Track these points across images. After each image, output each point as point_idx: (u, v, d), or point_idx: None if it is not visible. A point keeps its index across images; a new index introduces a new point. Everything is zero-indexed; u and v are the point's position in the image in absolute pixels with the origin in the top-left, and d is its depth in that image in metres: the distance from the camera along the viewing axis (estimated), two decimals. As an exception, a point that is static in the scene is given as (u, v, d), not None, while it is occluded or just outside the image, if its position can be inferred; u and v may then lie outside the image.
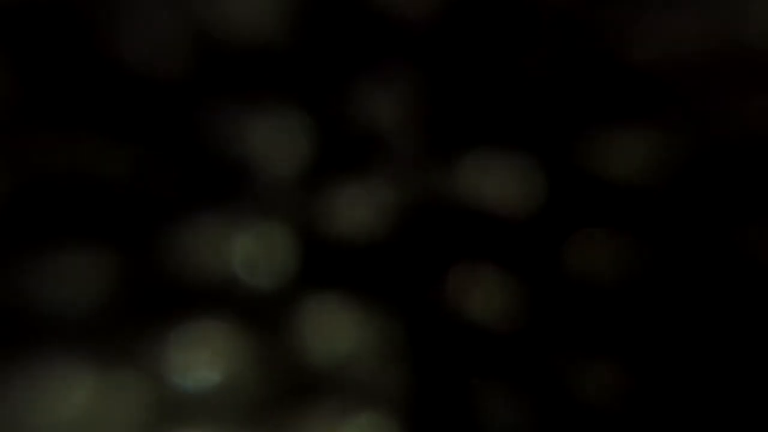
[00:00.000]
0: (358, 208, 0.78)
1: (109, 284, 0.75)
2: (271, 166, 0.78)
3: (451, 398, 0.75)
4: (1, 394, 0.71)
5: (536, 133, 0.79)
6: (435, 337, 0.76)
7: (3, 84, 0.75)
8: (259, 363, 0.75)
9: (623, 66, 0.80)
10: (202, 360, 0.74)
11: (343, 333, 0.76)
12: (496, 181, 0.78)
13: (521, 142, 0.79)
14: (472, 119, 0.79)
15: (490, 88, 0.80)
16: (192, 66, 0.78)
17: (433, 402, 0.75)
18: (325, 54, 0.79)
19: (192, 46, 0.78)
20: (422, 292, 0.77)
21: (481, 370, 0.75)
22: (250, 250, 0.76)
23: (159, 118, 0.77)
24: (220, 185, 0.77)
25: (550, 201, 0.78)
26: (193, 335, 0.75)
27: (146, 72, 0.77)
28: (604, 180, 0.78)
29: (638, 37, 0.81)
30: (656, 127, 0.79)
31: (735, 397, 0.75)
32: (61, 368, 0.72)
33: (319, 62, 0.79)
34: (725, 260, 0.77)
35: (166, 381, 0.74)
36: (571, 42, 0.80)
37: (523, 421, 0.74)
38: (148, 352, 0.74)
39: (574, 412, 0.75)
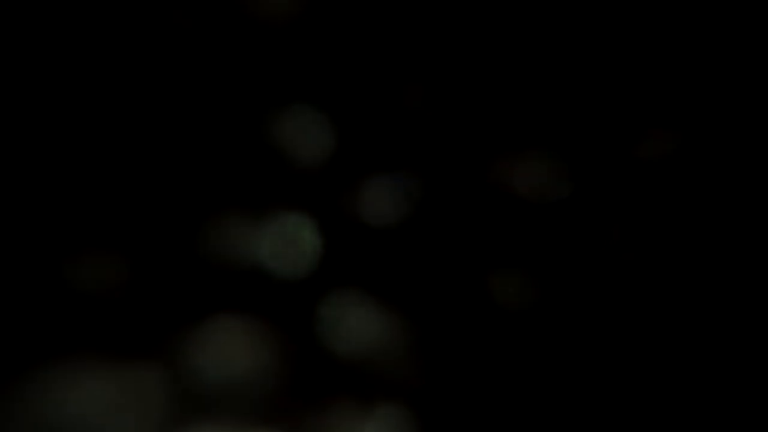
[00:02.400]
0: (382, 201, 0.78)
1: (132, 276, 0.76)
2: (296, 158, 0.78)
3: (470, 391, 0.75)
4: (27, 388, 0.72)
5: (561, 126, 0.79)
6: (458, 328, 0.76)
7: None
8: (281, 356, 0.75)
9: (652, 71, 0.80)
10: (224, 353, 0.75)
11: (367, 325, 0.76)
12: (522, 173, 0.78)
13: (548, 135, 0.78)
14: (498, 112, 0.79)
15: (516, 81, 0.79)
16: (220, 59, 0.78)
17: (451, 395, 0.75)
18: (353, 47, 0.79)
19: (222, 39, 0.78)
20: (447, 284, 0.77)
21: (502, 362, 0.75)
22: (274, 243, 0.77)
23: (186, 110, 0.78)
24: (245, 178, 0.77)
25: (576, 192, 0.77)
26: (215, 328, 0.75)
27: (177, 63, 0.78)
28: (633, 172, 0.78)
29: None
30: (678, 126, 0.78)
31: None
32: (84, 362, 0.73)
33: (346, 56, 0.79)
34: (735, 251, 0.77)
35: (188, 374, 0.74)
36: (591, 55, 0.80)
37: (542, 411, 0.74)
38: (170, 345, 0.75)
39: (595, 403, 0.75)
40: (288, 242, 0.77)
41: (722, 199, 0.78)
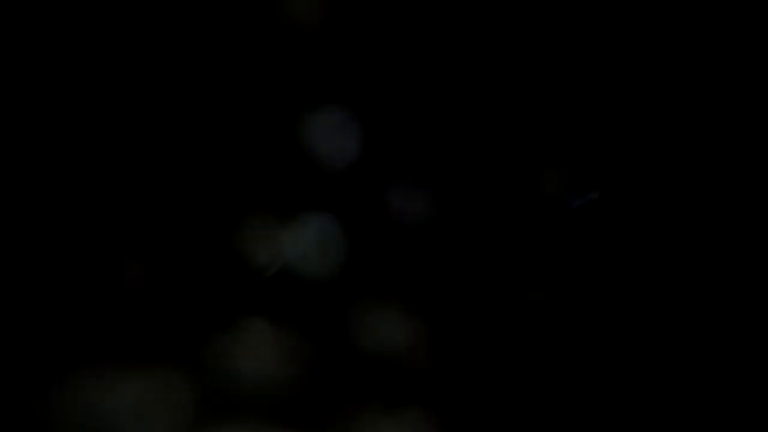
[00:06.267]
0: (409, 205, 0.78)
1: (158, 278, 0.75)
2: (323, 162, 0.78)
3: (498, 393, 0.75)
4: (56, 390, 0.72)
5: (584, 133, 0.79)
6: (484, 332, 0.76)
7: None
8: (307, 357, 0.75)
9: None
10: (251, 354, 0.75)
11: (392, 328, 0.76)
12: (545, 178, 0.78)
13: (572, 136, 0.79)
14: (516, 116, 0.79)
15: (540, 89, 0.80)
16: (249, 64, 0.78)
17: (478, 396, 0.75)
18: (379, 55, 0.79)
19: (253, 46, 0.78)
20: (472, 288, 0.77)
21: (528, 367, 0.76)
22: (301, 246, 0.77)
23: (212, 113, 0.77)
24: (272, 181, 0.77)
25: (597, 197, 0.78)
26: (242, 330, 0.75)
27: (206, 67, 0.77)
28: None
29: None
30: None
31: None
32: (112, 364, 0.73)
33: (373, 62, 0.79)
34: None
35: (215, 375, 0.74)
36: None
37: (565, 413, 0.75)
38: (197, 347, 0.74)
39: (613, 404, 0.75)
40: (315, 245, 0.77)
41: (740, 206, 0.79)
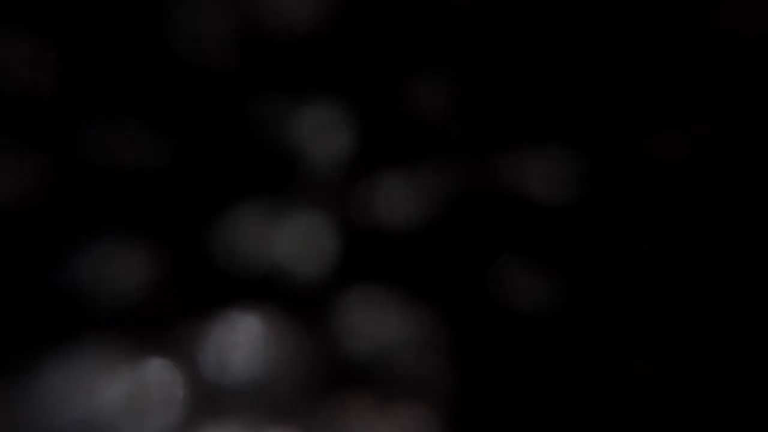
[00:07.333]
0: (400, 199, 0.78)
1: (151, 274, 0.76)
2: (314, 157, 0.78)
3: (492, 389, 0.75)
4: (41, 381, 0.72)
5: (578, 125, 0.79)
6: (476, 327, 0.76)
7: (50, 71, 0.76)
8: (299, 353, 0.75)
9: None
10: (242, 349, 0.75)
11: (384, 324, 0.76)
12: (538, 172, 0.78)
13: (563, 133, 0.78)
14: (514, 111, 0.79)
15: (532, 80, 0.79)
16: (239, 58, 0.78)
17: (472, 392, 0.75)
18: (370, 47, 0.79)
19: (239, 38, 0.79)
20: (464, 282, 0.77)
21: (522, 359, 0.75)
22: (293, 241, 0.77)
23: (205, 109, 0.78)
24: (264, 176, 0.77)
25: (593, 192, 0.77)
26: (233, 325, 0.75)
27: (194, 63, 0.78)
28: (650, 171, 0.78)
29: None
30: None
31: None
32: (101, 356, 0.73)
33: (364, 55, 0.79)
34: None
35: (205, 370, 0.74)
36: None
37: (562, 410, 0.74)
38: (188, 341, 0.75)
39: (612, 402, 0.74)
40: (306, 241, 0.77)
41: (745, 203, 0.78)
